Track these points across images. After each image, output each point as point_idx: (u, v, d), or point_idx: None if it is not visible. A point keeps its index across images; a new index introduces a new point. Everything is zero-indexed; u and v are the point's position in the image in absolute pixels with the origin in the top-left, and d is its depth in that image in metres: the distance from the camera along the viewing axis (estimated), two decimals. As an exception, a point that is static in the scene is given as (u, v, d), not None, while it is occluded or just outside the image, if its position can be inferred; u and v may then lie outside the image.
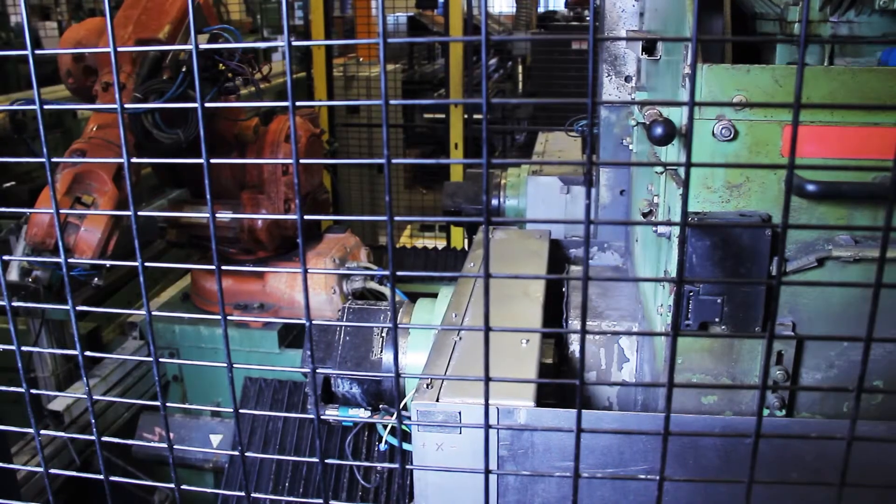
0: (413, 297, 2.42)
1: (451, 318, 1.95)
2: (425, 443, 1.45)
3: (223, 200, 3.63)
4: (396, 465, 1.07)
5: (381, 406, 2.12)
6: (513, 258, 2.37)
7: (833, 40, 1.60)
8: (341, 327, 2.18)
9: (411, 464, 1.60)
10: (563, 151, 3.54)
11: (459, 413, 1.44)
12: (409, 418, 1.51)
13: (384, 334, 2.14)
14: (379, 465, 1.04)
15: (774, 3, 1.66)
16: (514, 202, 3.16)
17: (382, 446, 2.10)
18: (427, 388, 1.52)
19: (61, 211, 0.98)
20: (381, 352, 2.12)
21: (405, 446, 1.72)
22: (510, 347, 1.71)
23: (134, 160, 0.92)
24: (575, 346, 1.93)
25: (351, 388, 2.11)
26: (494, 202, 3.14)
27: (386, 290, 3.43)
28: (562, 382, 1.66)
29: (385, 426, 2.12)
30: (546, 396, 1.56)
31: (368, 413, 2.12)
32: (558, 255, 2.58)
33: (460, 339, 1.77)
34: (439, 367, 1.64)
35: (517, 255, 2.41)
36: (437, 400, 1.48)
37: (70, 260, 1.00)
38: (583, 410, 0.85)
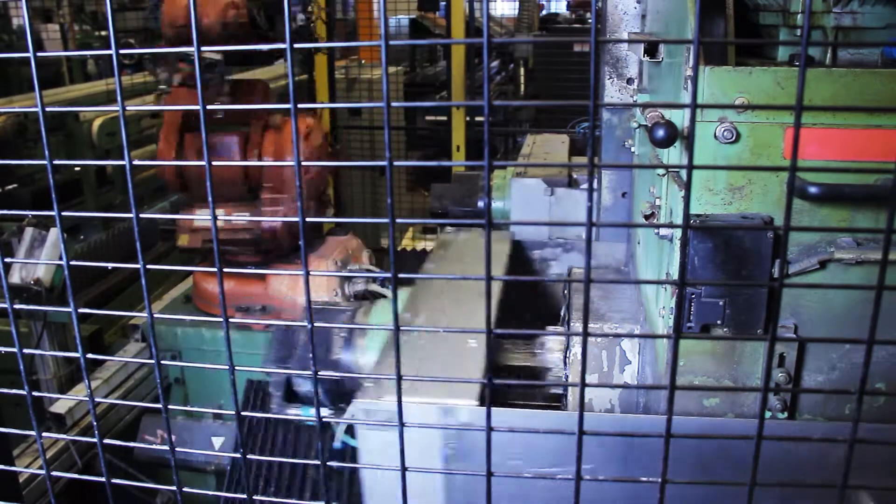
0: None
1: (405, 319, 1.96)
2: (370, 441, 1.44)
3: (234, 203, 3.54)
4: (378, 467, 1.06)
5: (340, 405, 2.14)
6: (472, 259, 2.42)
7: (834, 43, 1.59)
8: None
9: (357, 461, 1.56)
10: (550, 153, 3.52)
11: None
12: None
13: (342, 334, 2.17)
14: (380, 468, 1.03)
15: None
16: (500, 204, 3.14)
17: (336, 444, 2.10)
18: (373, 386, 1.51)
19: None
20: (340, 351, 2.15)
21: (352, 442, 1.71)
22: (457, 346, 1.70)
23: (136, 162, 0.92)
24: (577, 349, 1.93)
25: (313, 388, 2.14)
26: (480, 203, 3.12)
27: (388, 293, 3.42)
28: (565, 384, 1.66)
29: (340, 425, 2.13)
30: (502, 397, 1.55)
31: (332, 412, 2.14)
32: (521, 257, 2.59)
33: (415, 338, 1.77)
34: (389, 367, 1.62)
35: (476, 256, 2.45)
36: (380, 398, 1.47)
37: (71, 262, 1.00)
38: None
